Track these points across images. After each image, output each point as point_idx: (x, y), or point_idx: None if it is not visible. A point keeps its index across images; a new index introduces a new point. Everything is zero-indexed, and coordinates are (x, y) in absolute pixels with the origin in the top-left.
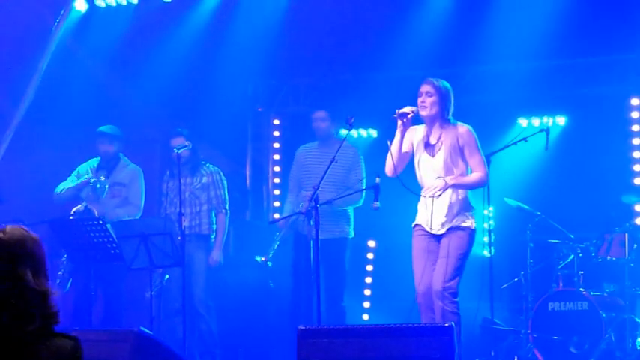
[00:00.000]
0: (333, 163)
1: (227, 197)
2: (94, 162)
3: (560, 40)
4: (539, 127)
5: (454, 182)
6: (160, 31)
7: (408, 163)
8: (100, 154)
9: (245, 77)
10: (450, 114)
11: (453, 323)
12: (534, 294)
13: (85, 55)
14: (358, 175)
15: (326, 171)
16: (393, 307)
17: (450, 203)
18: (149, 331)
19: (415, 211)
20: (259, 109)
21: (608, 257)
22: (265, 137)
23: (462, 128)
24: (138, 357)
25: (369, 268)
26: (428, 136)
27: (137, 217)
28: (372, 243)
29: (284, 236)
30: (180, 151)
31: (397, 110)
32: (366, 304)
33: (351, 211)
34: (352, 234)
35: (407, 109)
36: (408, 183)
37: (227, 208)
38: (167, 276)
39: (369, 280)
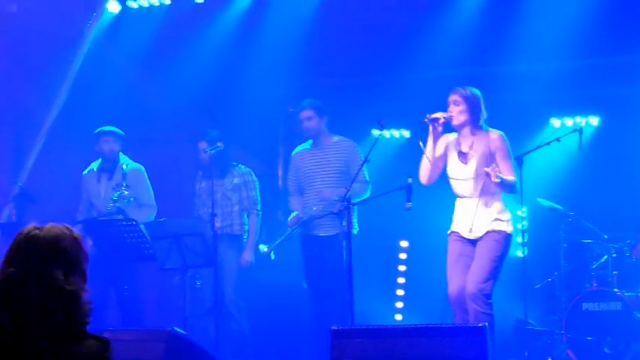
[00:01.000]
0: (326, 160)
1: (259, 198)
2: (94, 165)
3: (593, 39)
4: (573, 127)
5: (500, 176)
6: (191, 31)
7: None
8: (102, 153)
9: (276, 77)
10: (482, 120)
11: (486, 324)
12: (568, 294)
13: (117, 57)
14: (358, 165)
15: (358, 171)
16: (425, 307)
17: (486, 208)
18: (182, 331)
19: (447, 210)
20: (291, 110)
21: None
22: (297, 138)
23: (494, 134)
24: (171, 357)
25: (402, 268)
26: (460, 143)
27: (153, 217)
28: (404, 243)
29: (291, 235)
30: (211, 152)
31: (428, 115)
32: (399, 305)
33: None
34: (357, 228)
35: (438, 114)
36: (440, 190)
37: (259, 208)
38: (199, 282)
39: (401, 280)
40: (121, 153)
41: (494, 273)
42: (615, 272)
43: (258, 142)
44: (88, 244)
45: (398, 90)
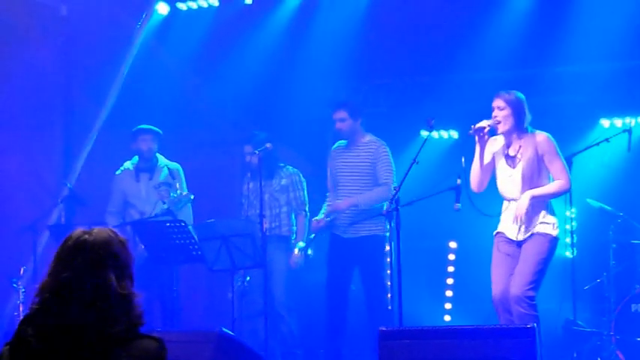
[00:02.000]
0: (355, 161)
1: (307, 199)
2: (128, 165)
3: None
4: (622, 128)
5: (534, 194)
6: (240, 33)
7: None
8: (140, 152)
9: (325, 79)
10: (527, 123)
11: (535, 325)
12: (617, 295)
13: (166, 59)
14: (384, 167)
15: (407, 172)
16: (474, 308)
17: (532, 210)
18: (231, 333)
19: (494, 210)
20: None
21: None
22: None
23: (540, 136)
24: (220, 358)
25: (451, 269)
26: (507, 147)
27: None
28: (453, 244)
29: (321, 231)
30: (259, 152)
31: (472, 126)
32: (448, 306)
33: (383, 208)
34: (388, 232)
35: (483, 123)
36: (490, 191)
37: (307, 209)
38: (248, 278)
39: (450, 281)
40: (157, 153)
41: (538, 276)
42: None
43: (307, 142)
44: (140, 246)
45: (447, 91)
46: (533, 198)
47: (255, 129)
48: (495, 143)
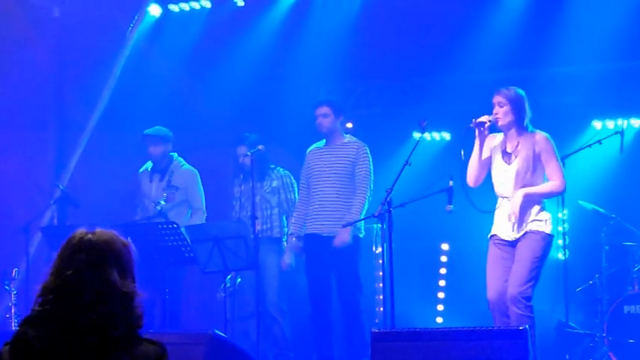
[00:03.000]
0: (333, 162)
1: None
2: (148, 165)
3: (634, 42)
4: (614, 130)
5: (528, 192)
6: (233, 34)
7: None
8: (150, 156)
9: (318, 80)
10: (527, 120)
11: (527, 326)
12: (609, 297)
13: (158, 60)
14: (363, 170)
15: (400, 173)
16: (466, 310)
17: (526, 208)
18: (223, 334)
19: (488, 208)
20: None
21: None
22: None
23: (539, 135)
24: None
25: (443, 271)
26: (505, 143)
27: (203, 221)
28: (445, 246)
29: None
30: (251, 153)
31: (473, 120)
32: (440, 308)
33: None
34: (363, 233)
35: (483, 118)
36: (482, 193)
37: None
38: (239, 279)
39: (442, 283)
40: (175, 154)
41: (534, 275)
42: None
43: (300, 144)
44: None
45: (439, 93)
46: (527, 196)
47: (247, 131)
48: (494, 140)
